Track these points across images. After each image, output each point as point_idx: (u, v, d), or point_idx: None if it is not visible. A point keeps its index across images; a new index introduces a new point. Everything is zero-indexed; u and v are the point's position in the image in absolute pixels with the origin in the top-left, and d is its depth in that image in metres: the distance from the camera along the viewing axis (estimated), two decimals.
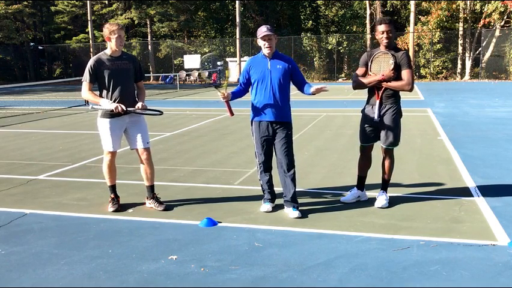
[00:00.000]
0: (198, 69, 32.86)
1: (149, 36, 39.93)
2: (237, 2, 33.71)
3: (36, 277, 3.56)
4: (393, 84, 4.90)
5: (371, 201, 5.22)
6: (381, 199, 5.08)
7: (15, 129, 11.92)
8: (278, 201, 5.14)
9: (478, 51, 31.70)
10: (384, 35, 4.90)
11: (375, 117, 4.99)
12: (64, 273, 3.61)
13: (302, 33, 38.42)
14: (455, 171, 6.62)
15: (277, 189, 5.18)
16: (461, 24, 31.73)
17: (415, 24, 31.24)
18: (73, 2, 39.65)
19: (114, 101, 4.92)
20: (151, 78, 36.63)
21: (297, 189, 4.95)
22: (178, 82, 29.02)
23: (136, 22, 39.89)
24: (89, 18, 36.19)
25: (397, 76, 4.91)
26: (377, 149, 5.30)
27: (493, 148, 8.20)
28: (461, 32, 31.78)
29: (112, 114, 4.95)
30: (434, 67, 32.20)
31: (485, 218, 4.67)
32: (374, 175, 5.63)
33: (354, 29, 37.17)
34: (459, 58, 32.13)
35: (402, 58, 4.91)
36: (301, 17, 40.22)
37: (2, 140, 10.16)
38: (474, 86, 25.45)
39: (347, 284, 3.38)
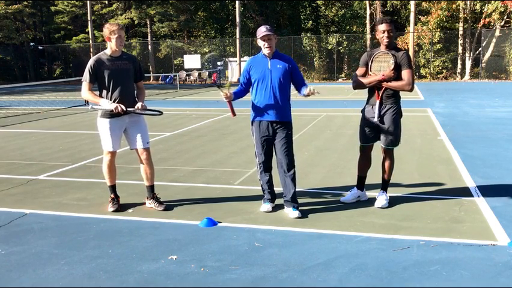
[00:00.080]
0: (199, 69, 32.89)
1: (149, 36, 39.94)
2: (237, 2, 33.71)
3: (36, 277, 3.56)
4: (394, 84, 4.90)
5: (371, 201, 5.22)
6: (381, 199, 5.08)
7: (15, 129, 11.92)
8: (278, 201, 5.14)
9: (478, 51, 31.71)
10: (385, 34, 4.90)
11: (375, 117, 4.99)
12: (63, 273, 3.61)
13: (302, 33, 38.43)
14: (455, 171, 6.62)
15: (277, 189, 5.18)
16: (461, 24, 31.74)
17: (415, 24, 31.24)
18: (73, 2, 39.66)
19: (114, 101, 4.92)
20: (151, 78, 36.64)
21: (297, 189, 4.95)
22: (178, 82, 29.02)
23: (136, 22, 39.90)
24: (89, 18, 36.21)
25: (397, 76, 4.91)
26: (377, 149, 5.30)
27: (493, 148, 8.20)
28: (461, 32, 31.78)
29: (111, 114, 4.95)
30: (434, 67, 32.20)
31: (485, 218, 4.67)
32: (374, 175, 5.63)
33: (354, 29, 37.19)
34: (459, 58, 32.14)
35: (403, 58, 4.91)
36: (301, 17, 40.23)
37: (2, 140, 10.16)
38: (474, 86, 25.45)
39: (347, 284, 3.38)
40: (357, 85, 5.09)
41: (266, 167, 5.05)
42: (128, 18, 37.41)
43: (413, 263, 3.68)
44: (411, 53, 29.01)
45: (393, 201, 5.16)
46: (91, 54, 34.57)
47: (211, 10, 41.11)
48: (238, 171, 6.83)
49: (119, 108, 4.82)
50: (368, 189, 5.45)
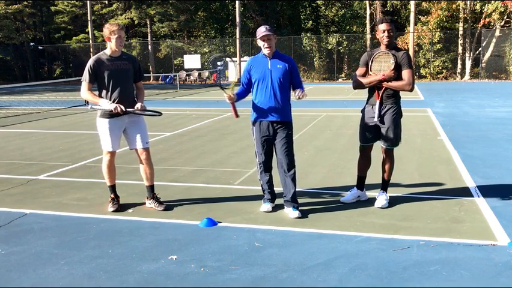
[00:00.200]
0: (199, 69, 32.86)
1: (149, 36, 39.94)
2: (237, 2, 33.71)
3: (36, 277, 3.56)
4: (394, 84, 4.90)
5: (371, 201, 5.22)
6: (381, 199, 5.08)
7: (15, 129, 11.92)
8: (278, 201, 5.14)
9: (478, 51, 31.71)
10: (385, 34, 4.90)
11: (376, 117, 4.99)
12: (64, 273, 3.61)
13: (302, 33, 38.43)
14: (455, 171, 6.62)
15: (277, 189, 5.18)
16: (461, 24, 31.73)
17: (415, 24, 31.24)
18: (73, 2, 39.66)
19: (113, 101, 4.92)
20: (151, 78, 36.64)
21: (297, 189, 4.95)
22: (178, 82, 29.02)
23: (136, 22, 39.90)
24: (89, 18, 36.21)
25: (397, 76, 4.91)
26: (377, 149, 5.30)
27: (493, 148, 8.19)
28: (461, 32, 31.78)
29: (111, 114, 4.95)
30: (434, 67, 32.20)
31: (485, 218, 4.67)
32: (374, 175, 5.63)
33: (354, 29, 37.19)
34: (459, 58, 32.13)
35: (403, 58, 4.90)
36: (301, 17, 40.24)
37: (2, 140, 10.16)
38: (474, 86, 25.45)
39: (347, 284, 3.38)
40: (357, 85, 5.09)
41: (266, 167, 5.05)
42: (128, 18, 37.41)
43: (413, 263, 3.68)
44: (411, 53, 29.00)
45: (393, 201, 5.16)
46: (91, 54, 34.57)
47: (211, 10, 41.11)
48: (238, 171, 6.83)
49: (119, 109, 4.82)
50: (368, 189, 5.45)
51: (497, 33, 30.50)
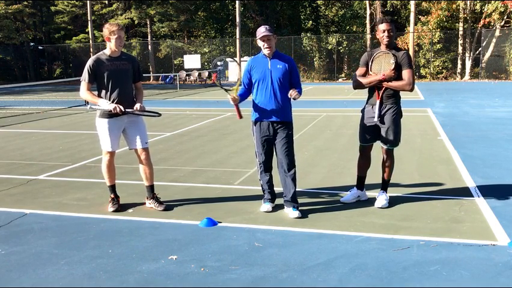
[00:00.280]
0: (200, 69, 32.86)
1: (149, 36, 39.94)
2: (237, 2, 33.72)
3: (36, 277, 3.56)
4: (394, 84, 4.90)
5: (371, 201, 5.22)
6: (381, 199, 5.08)
7: (15, 129, 11.92)
8: (278, 201, 5.14)
9: (478, 51, 31.70)
10: (386, 33, 4.89)
11: (376, 117, 4.98)
12: (64, 273, 3.61)
13: (302, 33, 38.43)
14: (455, 171, 6.62)
15: (278, 189, 5.18)
16: (461, 24, 31.73)
17: (415, 24, 31.24)
18: (72, 2, 39.66)
19: (113, 102, 4.91)
20: (151, 78, 36.64)
21: (297, 189, 4.95)
22: (178, 82, 29.01)
23: (136, 22, 39.90)
24: (89, 18, 36.21)
25: (398, 76, 4.91)
26: (377, 149, 5.30)
27: (493, 148, 8.19)
28: (461, 32, 31.78)
29: (110, 115, 4.95)
30: (434, 67, 32.20)
31: (485, 218, 4.67)
32: (374, 175, 5.63)
33: (354, 29, 37.18)
34: (459, 58, 32.13)
35: (403, 58, 4.90)
36: (301, 17, 40.24)
37: (2, 140, 10.16)
38: (474, 86, 25.45)
39: (347, 284, 3.38)
40: (358, 85, 5.09)
41: (266, 167, 5.05)
42: (128, 18, 37.41)
43: (413, 263, 3.68)
44: (411, 53, 28.97)
45: (393, 201, 5.16)
46: (91, 54, 34.56)
47: (211, 10, 41.11)
48: (238, 171, 6.83)
49: (118, 109, 4.82)
50: (368, 189, 5.45)
51: (497, 33, 30.50)
